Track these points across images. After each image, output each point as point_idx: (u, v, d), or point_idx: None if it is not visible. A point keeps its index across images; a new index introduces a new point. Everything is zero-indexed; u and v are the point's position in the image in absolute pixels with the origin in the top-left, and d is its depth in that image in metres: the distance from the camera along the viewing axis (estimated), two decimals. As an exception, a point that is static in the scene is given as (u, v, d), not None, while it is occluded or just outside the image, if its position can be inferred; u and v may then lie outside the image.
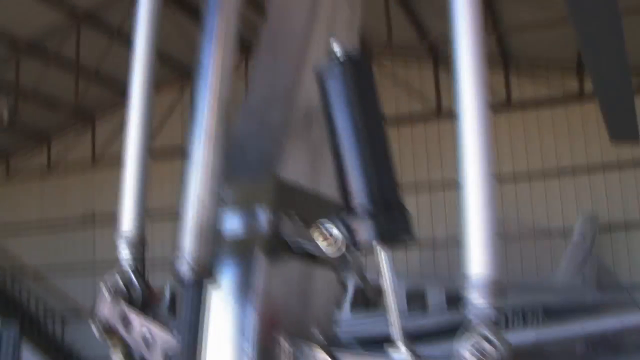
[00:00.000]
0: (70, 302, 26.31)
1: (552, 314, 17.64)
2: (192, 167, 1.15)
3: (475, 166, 1.10)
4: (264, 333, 1.25)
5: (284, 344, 1.27)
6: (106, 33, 22.45)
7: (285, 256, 1.33)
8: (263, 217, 1.30)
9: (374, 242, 1.20)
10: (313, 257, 1.43)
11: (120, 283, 1.44)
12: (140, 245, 1.47)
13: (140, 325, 1.43)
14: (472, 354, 1.05)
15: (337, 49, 1.27)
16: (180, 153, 27.53)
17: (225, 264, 1.19)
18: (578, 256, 19.94)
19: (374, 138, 1.24)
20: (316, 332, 1.39)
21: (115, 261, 1.67)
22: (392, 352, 1.18)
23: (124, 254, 1.48)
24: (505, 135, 22.65)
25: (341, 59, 1.26)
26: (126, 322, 1.43)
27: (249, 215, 1.31)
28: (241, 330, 1.24)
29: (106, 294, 1.44)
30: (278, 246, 1.31)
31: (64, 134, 29.04)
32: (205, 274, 1.11)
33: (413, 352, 1.17)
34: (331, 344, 1.26)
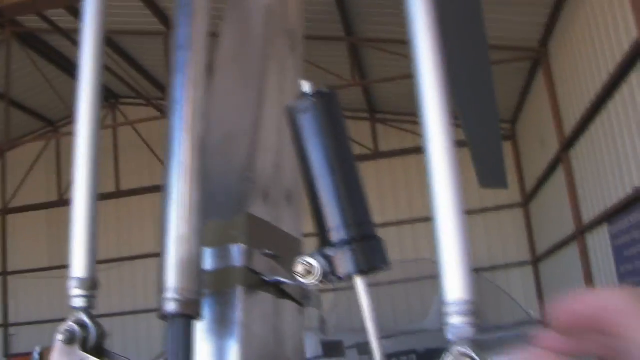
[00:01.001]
0: None
1: (425, 358, 17.98)
2: (171, 203, 1.15)
3: (446, 200, 1.16)
4: (246, 367, 1.25)
5: (268, 378, 1.28)
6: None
7: (260, 290, 1.34)
8: (238, 254, 1.30)
9: (353, 273, 1.23)
10: (283, 292, 1.45)
11: (76, 328, 1.40)
12: (92, 288, 1.44)
13: None
14: None
15: (306, 87, 1.31)
16: (44, 207, 26.91)
17: (205, 299, 1.18)
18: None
19: (347, 171, 1.28)
20: (289, 368, 1.41)
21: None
22: None
23: (77, 299, 1.44)
24: (373, 182, 23.35)
25: (312, 96, 1.29)
26: None
27: (224, 252, 1.32)
28: (225, 365, 1.24)
29: (61, 341, 1.39)
30: (254, 281, 1.32)
31: None
32: (192, 308, 1.10)
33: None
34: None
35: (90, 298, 1.45)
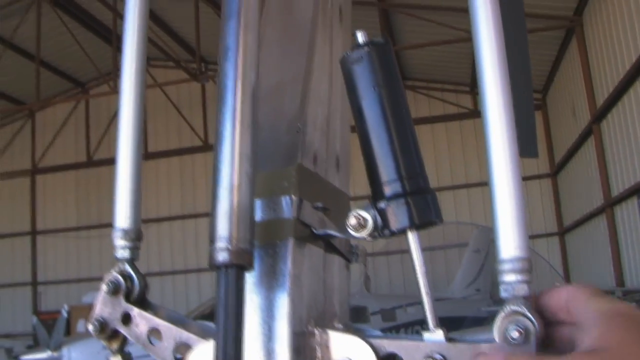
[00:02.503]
0: None
1: (449, 326, 18.01)
2: (223, 151, 1.12)
3: (503, 157, 1.13)
4: (296, 319, 1.23)
5: (317, 331, 1.26)
6: (-4, 43, 21.81)
7: (309, 243, 1.32)
8: (288, 205, 1.28)
9: (407, 227, 1.20)
10: (331, 246, 1.42)
11: (120, 279, 1.38)
12: (137, 240, 1.42)
13: (144, 320, 1.39)
14: (511, 329, 1.07)
15: (360, 37, 1.28)
16: (73, 167, 27.17)
17: (256, 250, 1.16)
18: (473, 268, 20.44)
19: (402, 122, 1.25)
20: (337, 322, 1.38)
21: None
22: (427, 335, 1.18)
23: (121, 249, 1.43)
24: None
25: (367, 45, 1.26)
26: (127, 319, 1.38)
27: (274, 204, 1.29)
28: (275, 315, 1.22)
29: (105, 292, 1.38)
30: (303, 233, 1.29)
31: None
32: (244, 258, 1.08)
33: (447, 335, 1.18)
34: (354, 333, 1.26)
35: (134, 249, 1.43)
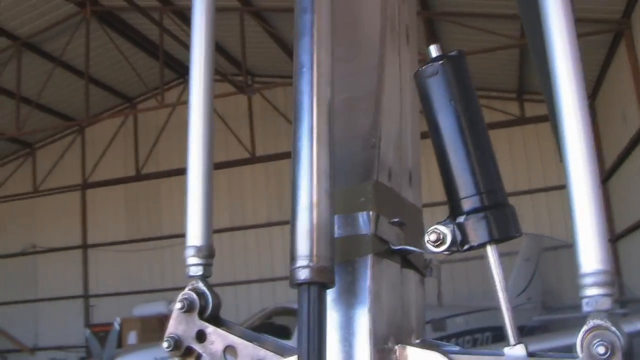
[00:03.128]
0: (10, 341, 25.85)
1: (500, 335, 17.79)
2: (301, 169, 1.12)
3: (583, 169, 1.11)
4: (377, 335, 1.22)
5: (397, 347, 1.25)
6: (47, 60, 22.21)
7: (387, 258, 1.32)
8: (366, 222, 1.28)
9: (487, 241, 1.19)
10: (407, 262, 1.42)
11: (195, 296, 1.39)
12: (209, 257, 1.43)
13: (220, 338, 1.39)
14: (596, 344, 1.05)
15: (434, 51, 1.28)
16: (122, 182, 27.55)
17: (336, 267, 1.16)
18: (524, 276, 20.19)
19: (478, 136, 1.24)
20: (415, 337, 1.38)
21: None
22: (507, 350, 1.17)
23: (194, 267, 1.44)
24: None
25: (443, 59, 1.26)
26: (202, 336, 1.39)
27: (353, 220, 1.29)
28: (355, 332, 1.21)
29: (179, 310, 1.39)
30: (382, 248, 1.29)
31: (2, 164, 28.71)
32: (325, 275, 1.08)
33: (528, 350, 1.16)
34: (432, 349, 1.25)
35: (206, 266, 1.44)
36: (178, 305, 1.40)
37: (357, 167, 1.39)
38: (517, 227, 1.23)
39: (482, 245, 1.20)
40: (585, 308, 1.10)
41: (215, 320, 1.44)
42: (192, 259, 1.46)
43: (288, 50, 22.05)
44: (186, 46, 20.75)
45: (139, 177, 27.28)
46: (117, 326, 15.27)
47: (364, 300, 1.23)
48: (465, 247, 1.21)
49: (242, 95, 23.66)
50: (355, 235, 1.29)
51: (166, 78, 23.37)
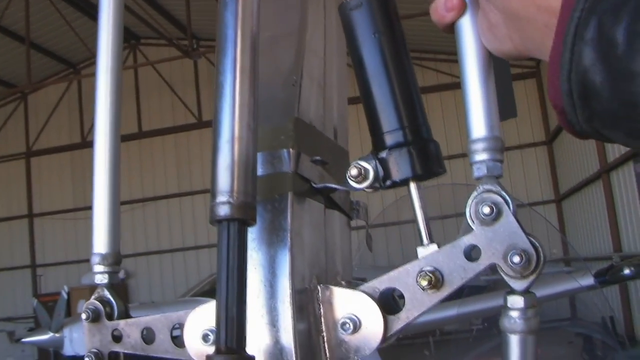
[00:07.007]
0: None
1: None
2: (224, 103, 1.08)
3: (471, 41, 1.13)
4: (298, 276, 1.19)
5: (319, 287, 1.23)
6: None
7: (309, 197, 1.29)
8: (287, 159, 1.24)
9: (409, 177, 1.16)
10: (331, 202, 1.39)
11: (99, 305, 1.37)
12: (115, 265, 1.40)
13: (134, 327, 1.38)
14: (482, 206, 1.05)
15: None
16: (68, 149, 27.12)
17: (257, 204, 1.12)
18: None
19: (404, 70, 1.21)
20: (340, 279, 1.36)
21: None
22: (420, 250, 1.19)
23: (100, 275, 1.41)
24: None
25: (367, -8, 1.22)
26: (118, 336, 1.38)
27: (273, 158, 1.25)
28: (276, 272, 1.18)
29: (87, 321, 1.38)
30: (303, 187, 1.26)
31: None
32: (247, 212, 1.04)
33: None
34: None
35: (112, 274, 1.42)
36: (84, 315, 1.38)
37: (278, 105, 1.35)
38: (440, 164, 1.21)
39: (405, 182, 1.17)
40: (476, 173, 1.09)
41: (126, 315, 1.42)
42: (97, 267, 1.43)
43: (234, 13, 21.76)
44: (130, 10, 20.32)
45: (84, 144, 26.86)
46: (64, 295, 15.06)
47: (284, 239, 1.20)
48: (388, 182, 1.18)
49: (188, 60, 23.37)
50: (275, 173, 1.25)
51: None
